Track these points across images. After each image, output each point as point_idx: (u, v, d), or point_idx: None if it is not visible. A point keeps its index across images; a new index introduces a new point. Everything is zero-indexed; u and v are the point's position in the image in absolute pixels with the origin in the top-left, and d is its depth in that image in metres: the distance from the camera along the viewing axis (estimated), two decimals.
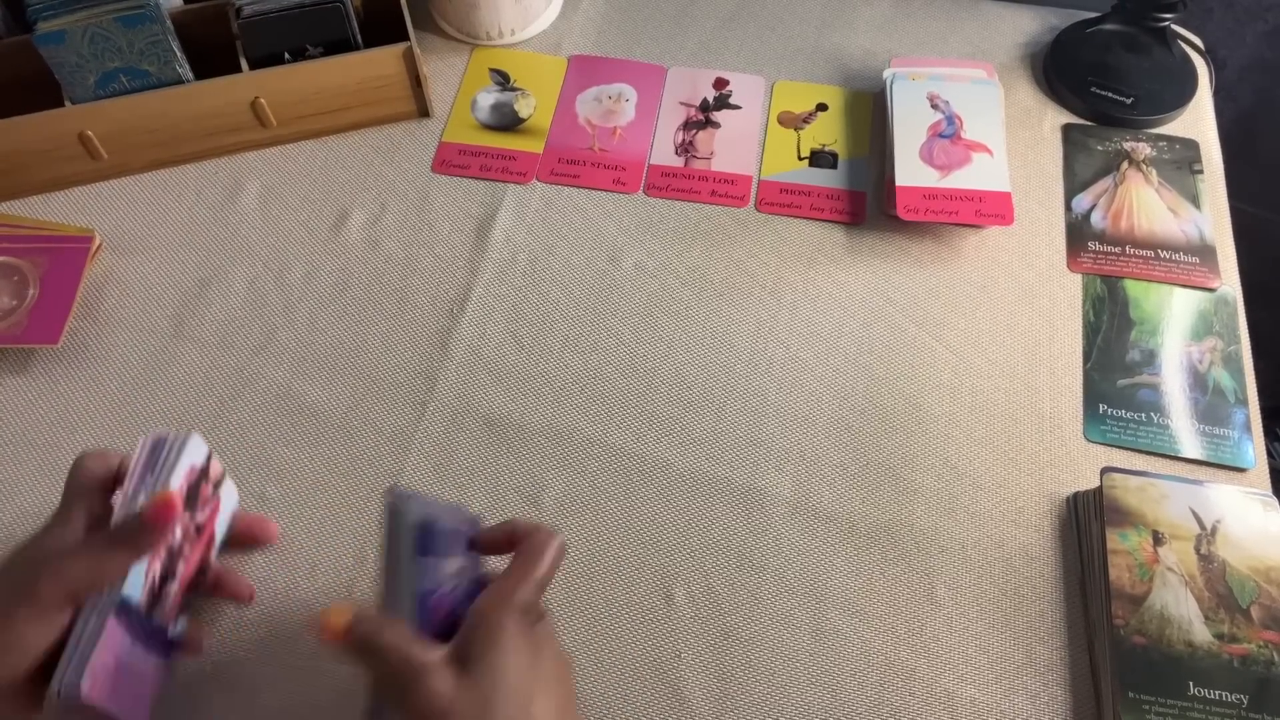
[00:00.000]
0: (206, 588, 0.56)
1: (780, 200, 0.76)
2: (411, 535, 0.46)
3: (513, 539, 0.48)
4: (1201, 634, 0.55)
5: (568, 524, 0.62)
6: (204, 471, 0.52)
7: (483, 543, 0.49)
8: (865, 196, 0.76)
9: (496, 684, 0.41)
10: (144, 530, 0.46)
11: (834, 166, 0.78)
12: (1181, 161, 0.78)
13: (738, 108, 0.82)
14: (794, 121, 0.81)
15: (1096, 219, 0.75)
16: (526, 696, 0.42)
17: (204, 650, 0.54)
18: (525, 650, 0.43)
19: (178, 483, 0.48)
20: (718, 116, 0.81)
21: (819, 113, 0.81)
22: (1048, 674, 0.57)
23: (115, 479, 0.49)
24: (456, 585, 0.47)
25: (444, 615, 0.45)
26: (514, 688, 0.42)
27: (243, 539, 0.59)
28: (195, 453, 0.51)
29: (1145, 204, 0.75)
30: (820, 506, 0.63)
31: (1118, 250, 0.73)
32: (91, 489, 0.48)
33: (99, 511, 0.48)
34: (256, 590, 0.58)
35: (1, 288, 0.68)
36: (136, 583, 0.47)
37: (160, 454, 0.49)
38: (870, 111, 0.81)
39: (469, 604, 0.45)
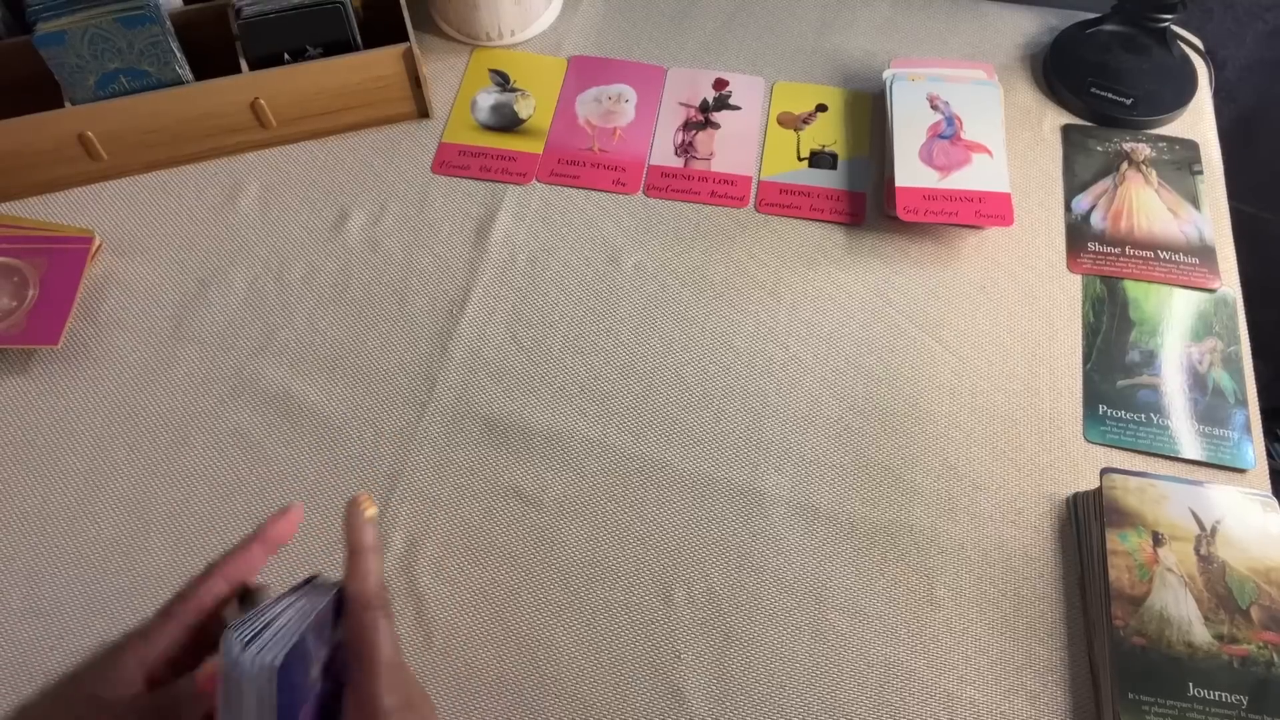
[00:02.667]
0: None
1: (780, 201, 0.76)
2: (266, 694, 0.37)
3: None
4: (1201, 635, 0.55)
5: (567, 525, 0.62)
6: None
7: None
8: (865, 197, 0.76)
9: None
10: None
11: (834, 167, 0.78)
12: (1181, 162, 0.78)
13: (737, 108, 0.81)
14: (794, 122, 0.81)
15: (1096, 220, 0.75)
16: None
17: None
18: None
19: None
20: (717, 117, 0.81)
21: (819, 113, 0.81)
22: (1047, 674, 0.57)
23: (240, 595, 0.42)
24: (316, 687, 0.40)
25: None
26: None
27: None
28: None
29: (1145, 205, 0.75)
30: (820, 507, 0.63)
31: (1117, 251, 0.73)
32: (189, 620, 0.40)
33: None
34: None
35: (1, 288, 0.68)
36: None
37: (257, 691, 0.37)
38: (870, 112, 0.81)
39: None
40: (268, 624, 0.38)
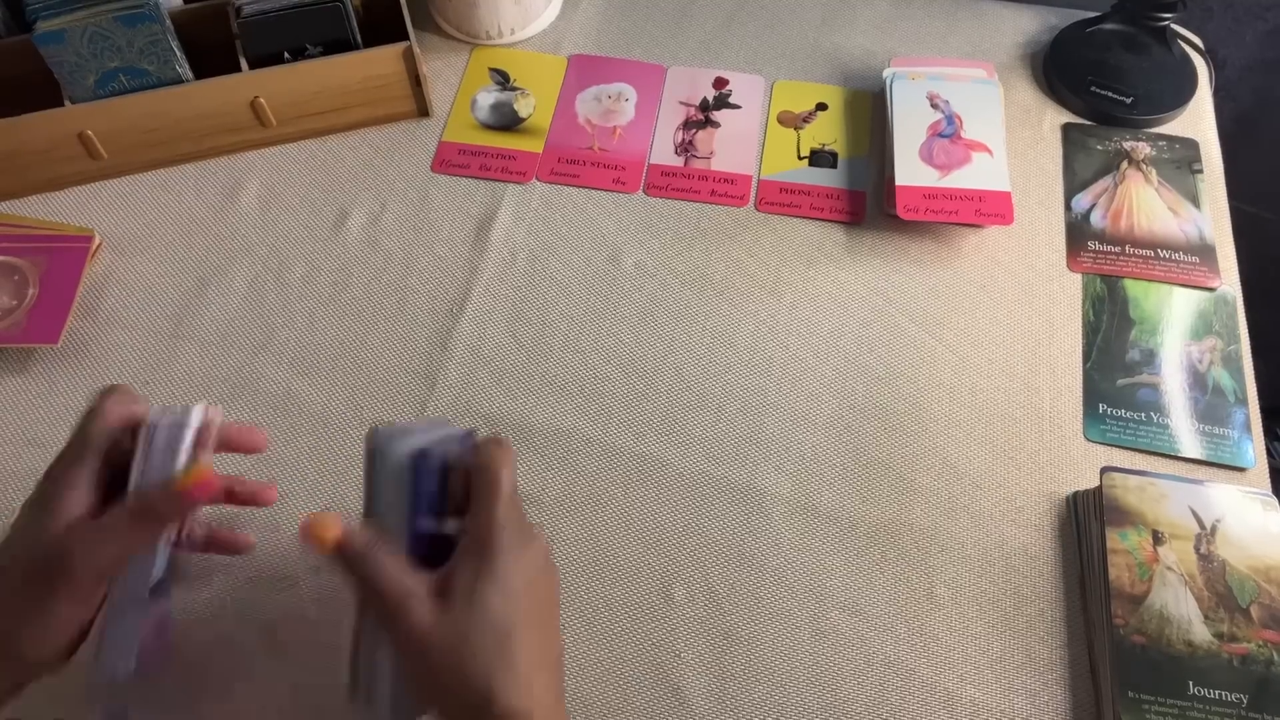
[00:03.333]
0: (199, 547, 0.52)
1: (780, 200, 0.76)
2: (404, 474, 0.44)
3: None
4: (1201, 633, 0.55)
5: (568, 524, 0.62)
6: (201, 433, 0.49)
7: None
8: (865, 196, 0.76)
9: (475, 619, 0.40)
10: (176, 506, 0.44)
11: (834, 166, 0.78)
12: (1181, 161, 0.78)
13: (737, 107, 0.82)
14: (794, 121, 0.81)
15: (1096, 218, 0.75)
16: (504, 632, 0.41)
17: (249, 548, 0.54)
18: (512, 578, 0.42)
19: (205, 456, 0.46)
20: (717, 116, 0.81)
21: (819, 112, 0.81)
22: (1047, 673, 0.57)
23: (133, 429, 0.46)
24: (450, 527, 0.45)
25: (438, 547, 0.44)
26: (493, 623, 0.41)
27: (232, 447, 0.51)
28: (195, 419, 0.48)
29: (1145, 204, 0.75)
30: (820, 506, 0.63)
31: (1117, 250, 0.73)
32: (104, 441, 0.45)
33: (109, 466, 0.46)
34: (255, 590, 0.58)
35: (1, 287, 0.68)
36: (162, 559, 0.47)
37: (170, 430, 0.46)
38: (870, 111, 0.81)
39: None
40: (407, 432, 0.45)
